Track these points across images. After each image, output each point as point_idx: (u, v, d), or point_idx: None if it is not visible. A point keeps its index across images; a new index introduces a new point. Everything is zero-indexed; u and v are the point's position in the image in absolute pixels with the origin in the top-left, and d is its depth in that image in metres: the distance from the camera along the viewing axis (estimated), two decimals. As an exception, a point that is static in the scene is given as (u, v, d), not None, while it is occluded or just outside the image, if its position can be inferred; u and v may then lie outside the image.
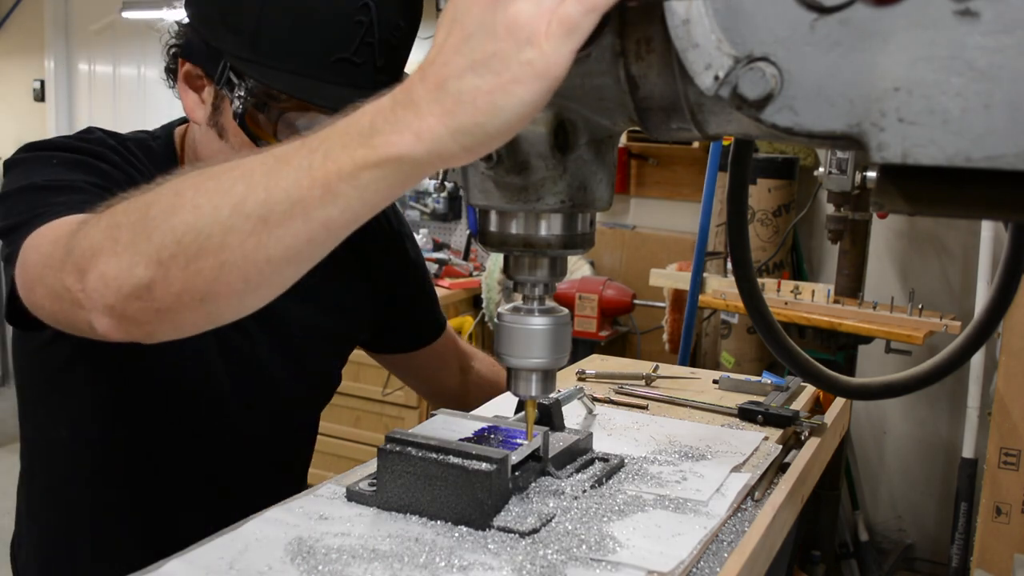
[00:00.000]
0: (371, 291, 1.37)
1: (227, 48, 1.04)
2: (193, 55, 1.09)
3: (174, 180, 0.74)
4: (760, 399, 1.31)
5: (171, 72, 1.15)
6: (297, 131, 1.04)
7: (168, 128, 1.23)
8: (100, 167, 1.05)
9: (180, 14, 1.12)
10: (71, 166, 1.02)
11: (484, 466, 0.87)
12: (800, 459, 1.09)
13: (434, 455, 0.89)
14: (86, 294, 0.75)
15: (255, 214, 0.68)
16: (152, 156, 1.16)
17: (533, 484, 0.96)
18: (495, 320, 0.89)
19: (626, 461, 1.06)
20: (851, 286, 2.93)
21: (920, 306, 2.62)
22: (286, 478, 1.33)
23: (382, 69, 1.07)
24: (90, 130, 1.13)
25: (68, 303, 0.78)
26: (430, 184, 4.32)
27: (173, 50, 1.13)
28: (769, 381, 1.41)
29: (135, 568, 0.79)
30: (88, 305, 0.76)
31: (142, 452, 1.18)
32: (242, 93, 1.05)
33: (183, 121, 1.23)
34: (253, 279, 0.71)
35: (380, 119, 0.64)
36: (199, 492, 1.21)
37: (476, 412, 1.21)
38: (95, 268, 0.74)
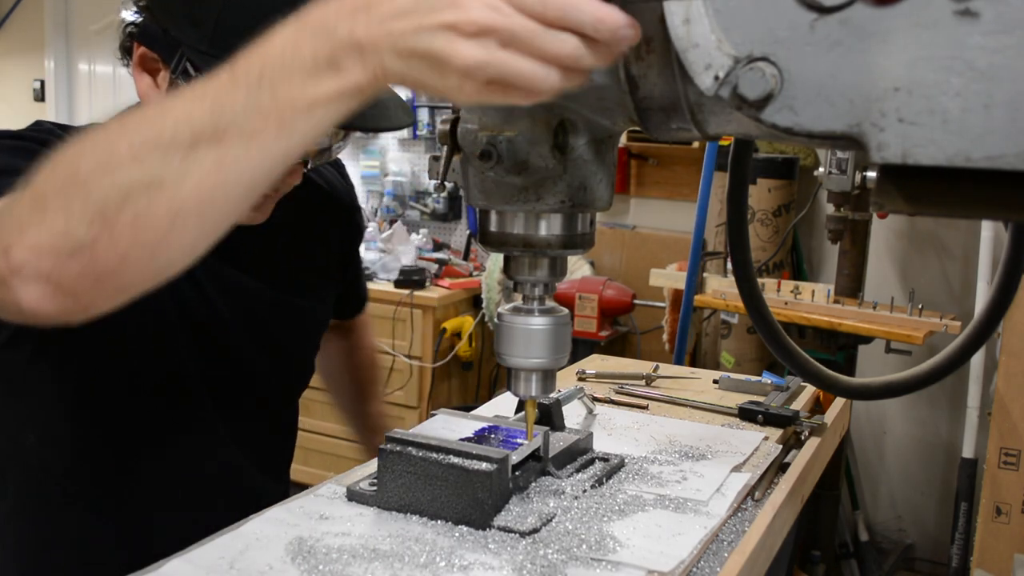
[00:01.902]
0: (334, 264, 1.36)
1: (185, 39, 1.01)
2: (150, 41, 1.05)
3: (94, 136, 0.72)
4: (760, 399, 1.32)
5: (126, 50, 1.11)
6: None
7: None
8: (46, 153, 1.03)
9: None
10: (12, 152, 0.98)
11: (484, 466, 0.87)
12: (800, 459, 1.10)
13: (434, 455, 0.89)
14: (12, 268, 0.71)
15: (210, 159, 0.67)
16: None
17: (533, 484, 0.96)
18: (495, 320, 0.89)
19: (626, 461, 1.06)
20: (851, 286, 2.93)
21: (920, 306, 2.62)
22: (266, 475, 1.30)
23: None
24: (39, 123, 1.10)
25: None
26: (430, 184, 4.32)
27: (129, 28, 1.08)
28: (769, 381, 1.41)
29: (122, 570, 0.78)
30: (15, 281, 0.71)
31: (115, 450, 1.15)
32: None
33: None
34: (209, 221, 0.70)
35: (323, 51, 0.66)
36: (178, 489, 1.19)
37: (476, 412, 1.21)
38: (22, 243, 0.71)
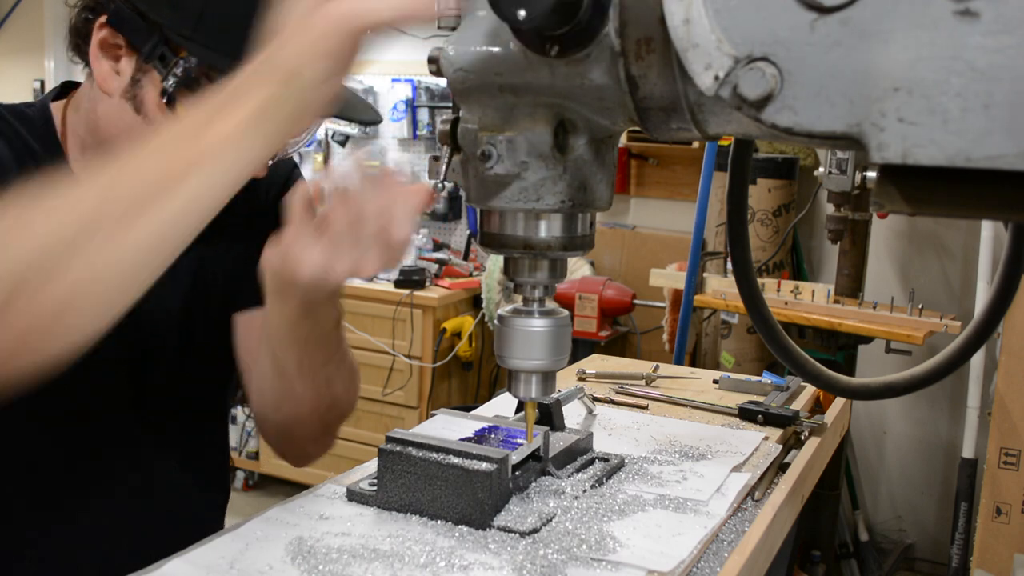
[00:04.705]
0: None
1: (166, 22, 0.98)
2: (119, 23, 1.01)
3: (19, 191, 0.71)
4: (760, 399, 1.32)
5: (79, 34, 1.06)
6: None
7: (43, 101, 1.14)
8: None
9: None
10: None
11: (484, 466, 0.87)
12: (800, 459, 1.10)
13: (434, 455, 0.89)
14: None
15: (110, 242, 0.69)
16: (27, 122, 1.08)
17: (533, 484, 0.96)
18: (495, 321, 0.89)
19: (626, 461, 1.06)
20: (851, 286, 2.93)
21: (920, 306, 2.62)
22: (204, 493, 1.21)
23: None
24: None
25: None
26: (430, 183, 4.31)
27: (84, 14, 1.04)
28: (769, 381, 1.41)
29: None
30: None
31: (33, 461, 1.07)
32: (178, 72, 0.99)
33: (61, 93, 1.15)
34: (104, 302, 0.71)
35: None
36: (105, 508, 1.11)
37: (476, 412, 1.21)
38: None
